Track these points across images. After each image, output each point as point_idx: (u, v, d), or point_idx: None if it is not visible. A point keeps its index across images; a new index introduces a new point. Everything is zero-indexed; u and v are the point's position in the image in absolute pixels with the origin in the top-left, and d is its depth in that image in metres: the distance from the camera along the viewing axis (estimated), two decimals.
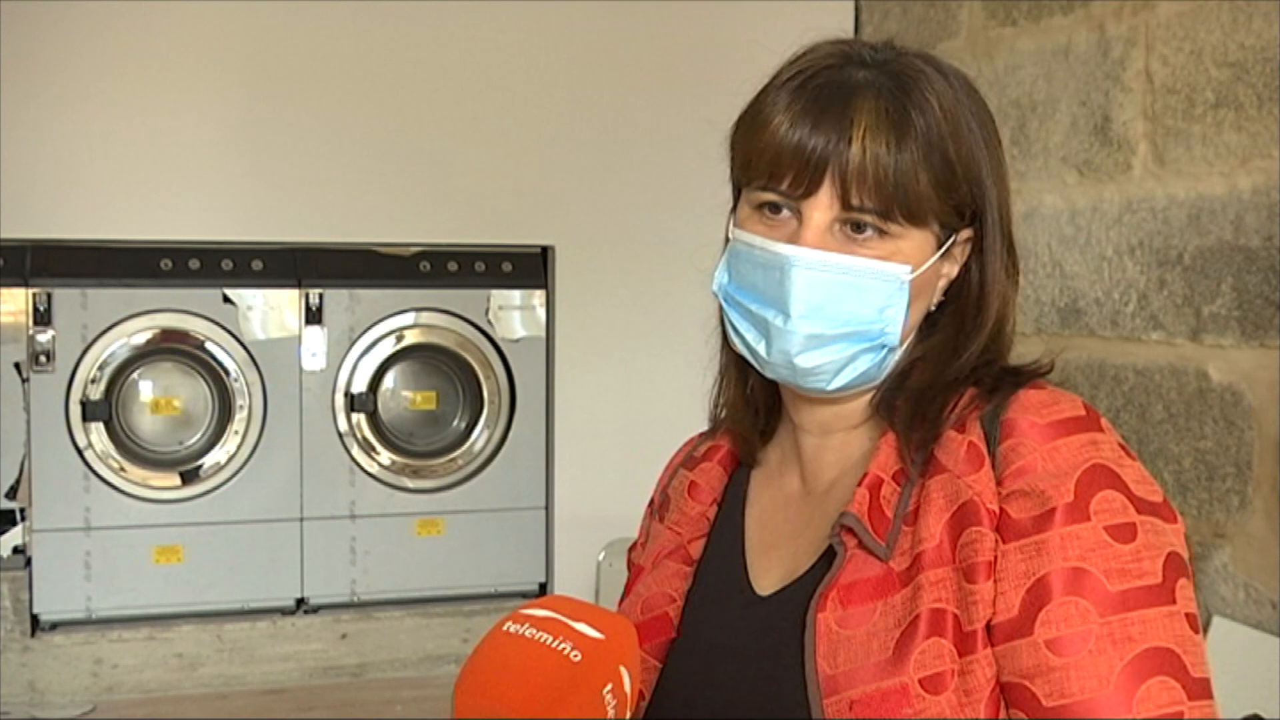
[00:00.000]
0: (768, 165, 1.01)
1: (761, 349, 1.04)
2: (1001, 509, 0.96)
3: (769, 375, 1.07)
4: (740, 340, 1.07)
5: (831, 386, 1.04)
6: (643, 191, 3.46)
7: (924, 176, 1.00)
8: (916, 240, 1.02)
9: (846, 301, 1.01)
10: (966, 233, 1.06)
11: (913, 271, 1.02)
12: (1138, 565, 0.94)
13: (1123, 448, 0.99)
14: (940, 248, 1.04)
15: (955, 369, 1.05)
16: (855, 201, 0.99)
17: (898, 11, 3.47)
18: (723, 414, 1.19)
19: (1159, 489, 0.99)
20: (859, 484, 1.03)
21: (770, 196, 1.02)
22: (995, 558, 0.95)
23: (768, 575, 1.09)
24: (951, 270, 1.07)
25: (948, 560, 0.97)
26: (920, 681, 0.94)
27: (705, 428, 1.23)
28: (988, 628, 0.95)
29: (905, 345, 1.06)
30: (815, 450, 1.11)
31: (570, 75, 3.48)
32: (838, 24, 3.65)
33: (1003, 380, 1.04)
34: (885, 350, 1.04)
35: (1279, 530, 2.35)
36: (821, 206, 1.00)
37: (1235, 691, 2.27)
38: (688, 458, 1.23)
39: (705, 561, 1.14)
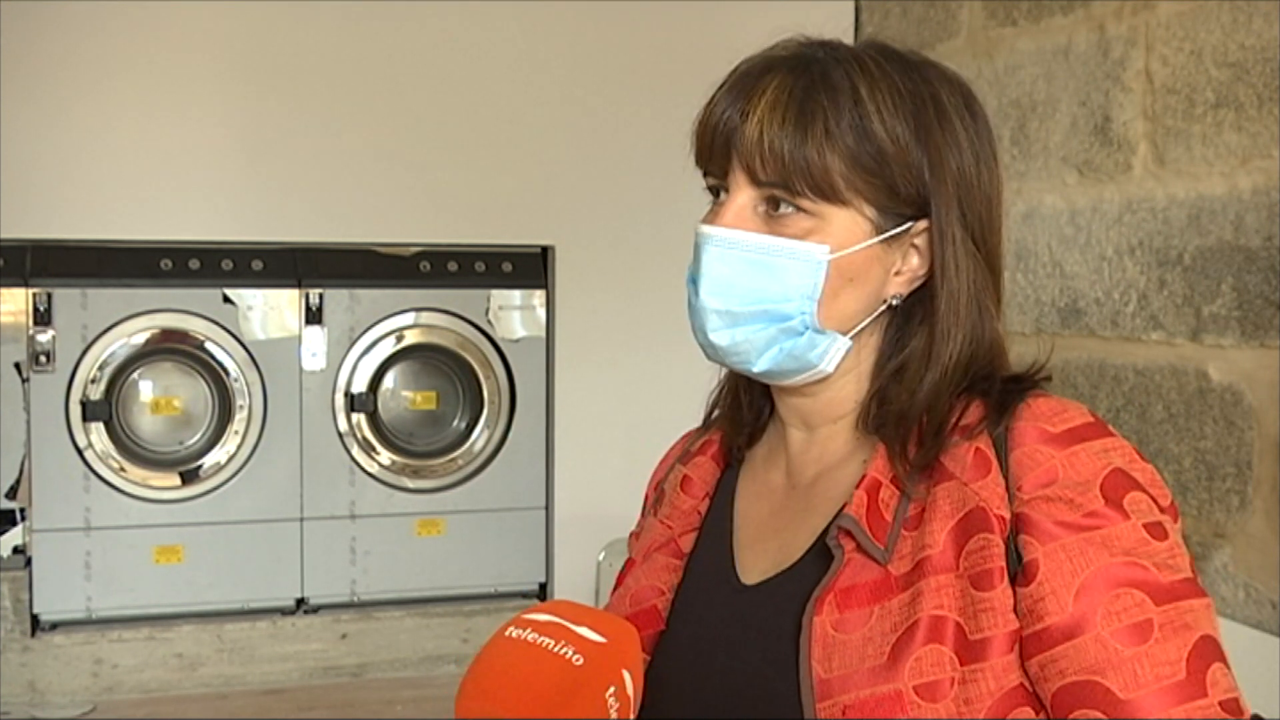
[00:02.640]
0: (697, 145, 1.05)
1: (693, 329, 1.06)
2: (1025, 515, 0.96)
3: (706, 356, 1.08)
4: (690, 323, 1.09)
5: (758, 369, 1.04)
6: (643, 191, 3.46)
7: (835, 156, 0.99)
8: (842, 221, 1.01)
9: (756, 279, 1.01)
10: (923, 224, 1.04)
11: (832, 252, 1.01)
12: (1174, 560, 0.95)
13: (1135, 451, 1.00)
14: (879, 234, 1.02)
15: (932, 380, 1.03)
16: (761, 176, 1.00)
17: (898, 11, 3.47)
18: (715, 411, 1.21)
19: (1168, 492, 1.00)
20: (857, 486, 1.02)
21: (709, 180, 1.06)
22: (1032, 560, 0.95)
23: (755, 567, 1.09)
24: (919, 268, 1.05)
25: (951, 567, 0.96)
26: (915, 688, 0.94)
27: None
28: (1016, 635, 0.95)
29: (858, 337, 1.05)
30: (800, 444, 1.11)
31: (570, 75, 3.48)
32: (838, 24, 3.65)
33: (1006, 390, 1.03)
34: (808, 332, 1.03)
35: (1279, 530, 2.35)
36: (739, 184, 1.02)
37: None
38: (684, 452, 1.23)
39: (695, 555, 1.15)
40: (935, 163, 1.03)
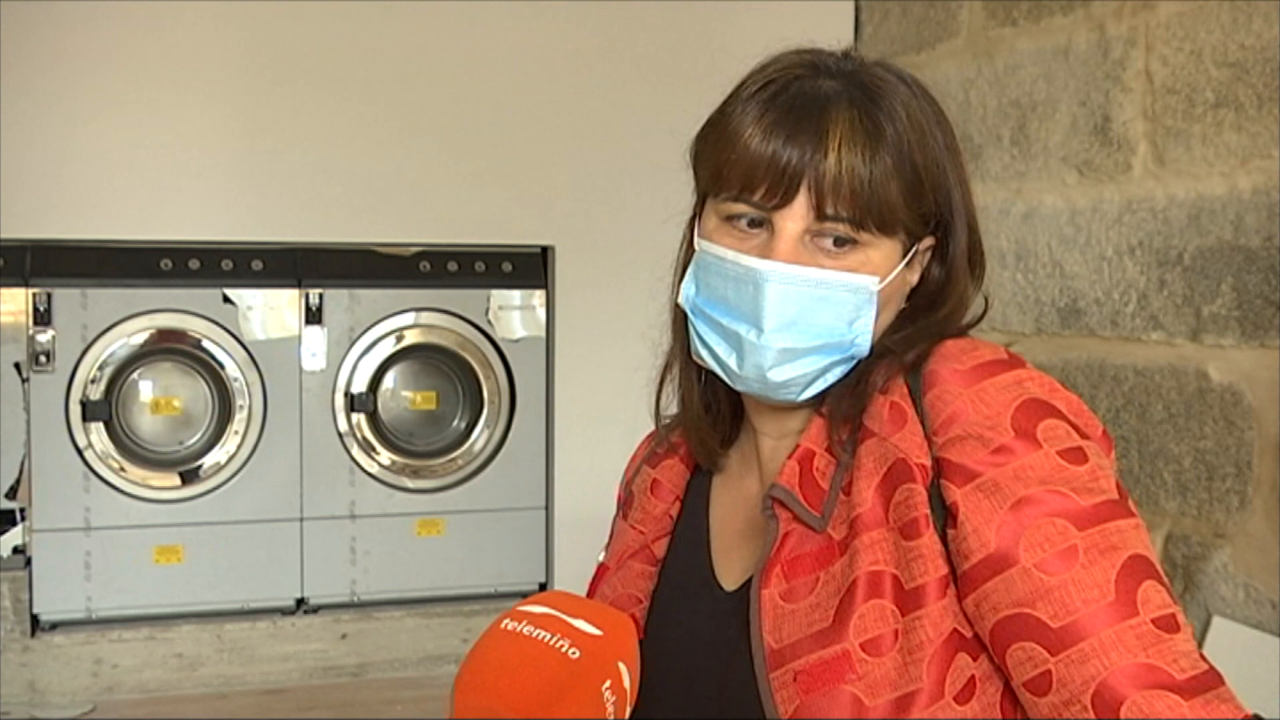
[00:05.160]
0: (741, 177, 1.01)
1: (733, 363, 1.04)
2: (942, 458, 0.96)
3: (739, 388, 1.07)
4: (709, 353, 1.07)
5: (802, 398, 1.05)
6: (643, 191, 3.44)
7: (895, 186, 1.00)
8: (885, 250, 1.03)
9: (819, 314, 1.01)
10: (928, 241, 1.06)
11: (881, 282, 1.02)
12: (1096, 483, 0.95)
13: (1055, 382, 0.99)
14: (905, 256, 1.04)
15: (884, 345, 1.05)
16: (830, 211, 0.99)
17: (898, 11, 3.47)
18: (671, 420, 1.19)
19: (1096, 420, 1.00)
20: (789, 456, 1.03)
21: (741, 208, 1.02)
22: (952, 503, 0.95)
23: (731, 573, 1.09)
24: (912, 278, 1.08)
25: (881, 522, 0.97)
26: (862, 645, 0.95)
27: None
28: (946, 580, 0.95)
29: None
30: (772, 451, 1.12)
31: (570, 75, 3.48)
32: (838, 24, 3.65)
33: (924, 339, 1.04)
34: (855, 361, 1.05)
35: (1279, 530, 2.35)
36: (795, 217, 1.00)
37: (1235, 692, 2.27)
38: (650, 454, 1.23)
39: (670, 561, 1.15)
40: (953, 184, 1.05)
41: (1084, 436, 0.97)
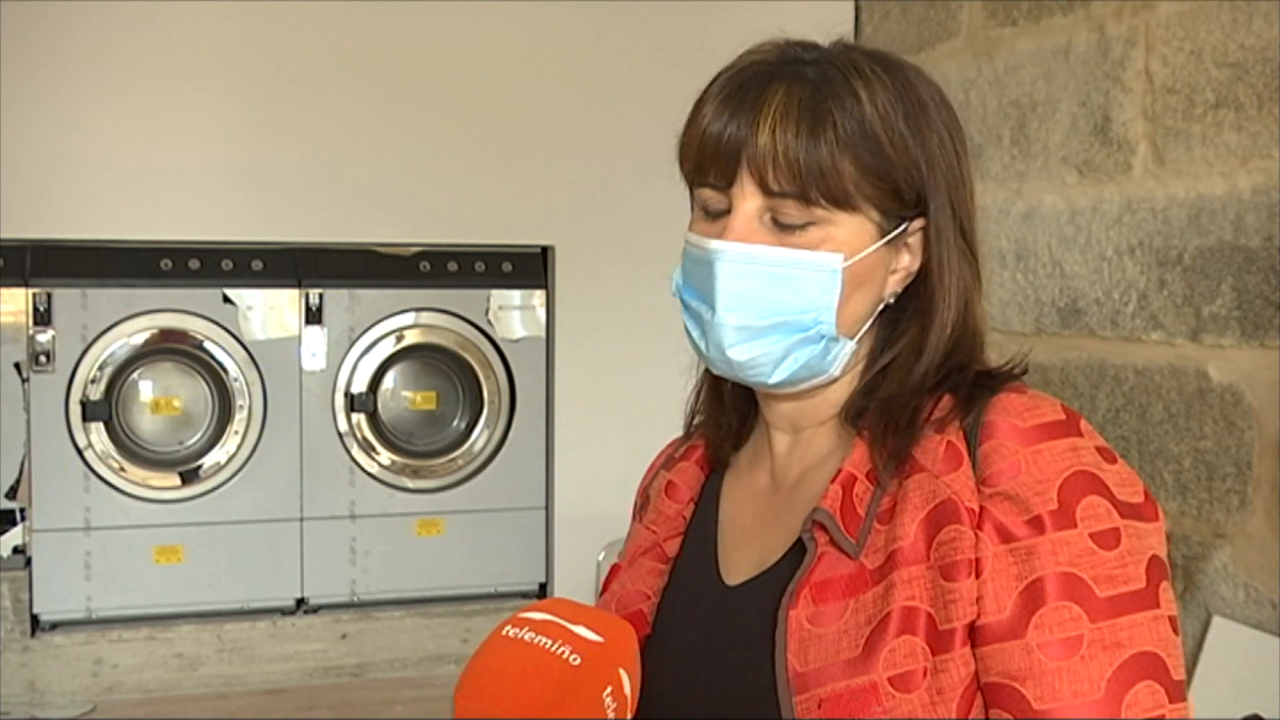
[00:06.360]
0: (695, 158, 1.04)
1: (703, 345, 1.06)
2: (984, 508, 0.97)
3: (716, 372, 1.09)
4: (689, 338, 1.08)
5: (774, 380, 1.05)
6: (643, 192, 3.45)
7: (846, 162, 1.00)
8: (851, 227, 1.02)
9: (774, 292, 1.01)
10: (919, 223, 1.05)
11: (846, 260, 1.02)
12: (1123, 571, 0.95)
13: (1102, 451, 1.00)
14: (883, 236, 1.03)
15: (921, 370, 1.05)
16: (775, 187, 1.00)
17: (898, 11, 3.47)
18: (696, 417, 1.21)
19: (1140, 486, 1.00)
20: (832, 480, 1.03)
21: (706, 192, 1.04)
22: (980, 557, 0.96)
23: (738, 569, 1.09)
24: (911, 264, 1.06)
25: (922, 558, 0.97)
26: (890, 680, 0.95)
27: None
28: (970, 627, 0.95)
29: (860, 339, 1.06)
30: (785, 447, 1.12)
31: (570, 75, 3.48)
32: (838, 24, 3.65)
33: (979, 385, 1.04)
34: (824, 340, 1.04)
35: (1279, 530, 2.35)
36: (745, 195, 1.01)
37: (1235, 691, 2.27)
38: (668, 459, 1.24)
39: (680, 559, 1.15)
40: (930, 162, 1.04)
41: (1124, 515, 0.97)
